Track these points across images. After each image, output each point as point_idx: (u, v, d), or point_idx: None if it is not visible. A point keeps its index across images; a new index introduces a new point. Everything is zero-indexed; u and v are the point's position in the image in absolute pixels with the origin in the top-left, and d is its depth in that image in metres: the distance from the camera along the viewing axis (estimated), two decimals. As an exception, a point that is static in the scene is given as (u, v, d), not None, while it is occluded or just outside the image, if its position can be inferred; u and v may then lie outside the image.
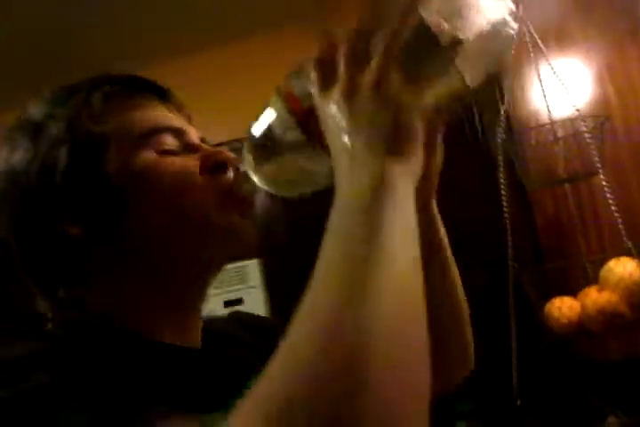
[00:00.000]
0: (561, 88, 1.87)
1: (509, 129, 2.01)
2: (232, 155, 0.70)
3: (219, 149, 0.71)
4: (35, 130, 0.68)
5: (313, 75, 0.56)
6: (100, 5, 2.12)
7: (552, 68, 1.88)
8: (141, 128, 0.68)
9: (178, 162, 0.68)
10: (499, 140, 1.85)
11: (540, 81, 1.94)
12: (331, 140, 0.55)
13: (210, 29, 2.45)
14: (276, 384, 0.41)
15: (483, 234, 2.11)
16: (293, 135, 0.61)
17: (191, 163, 0.69)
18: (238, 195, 0.69)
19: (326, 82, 0.56)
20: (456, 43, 0.56)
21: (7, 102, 1.72)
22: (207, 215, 0.67)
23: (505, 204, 1.82)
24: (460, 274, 0.74)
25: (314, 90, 0.56)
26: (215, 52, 2.59)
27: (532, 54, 1.90)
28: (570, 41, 2.16)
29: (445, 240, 0.74)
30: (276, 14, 2.37)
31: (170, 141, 0.69)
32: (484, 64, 0.59)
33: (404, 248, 0.47)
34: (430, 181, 0.69)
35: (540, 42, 1.86)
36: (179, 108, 0.74)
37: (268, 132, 0.63)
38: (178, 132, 0.70)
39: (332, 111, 0.54)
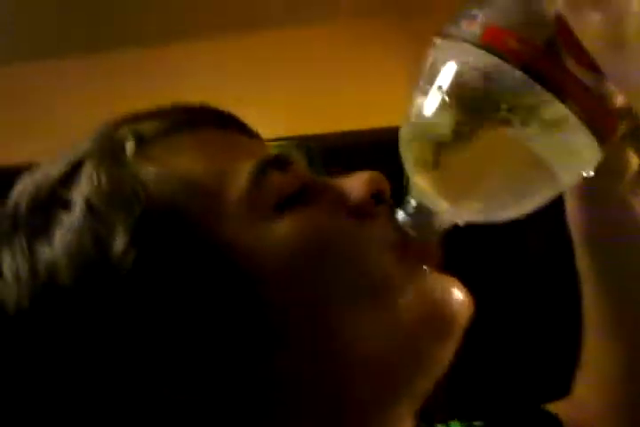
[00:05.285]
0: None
1: None
2: (380, 179, 0.43)
3: (351, 177, 0.44)
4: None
5: None
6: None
7: None
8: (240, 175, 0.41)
9: (330, 225, 0.41)
10: None
11: None
12: None
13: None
14: None
15: None
16: (518, 98, 0.36)
17: (340, 217, 0.42)
18: (414, 241, 0.42)
19: None
20: None
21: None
22: (398, 296, 0.40)
23: None
24: None
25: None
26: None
27: None
28: None
29: None
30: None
31: (283, 182, 0.41)
32: None
33: None
34: None
35: None
36: (245, 130, 0.47)
37: (460, 113, 0.38)
38: (284, 165, 0.42)
39: None
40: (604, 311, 0.54)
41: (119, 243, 0.38)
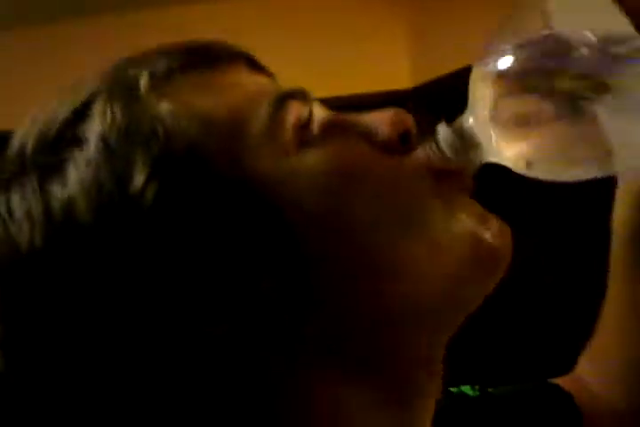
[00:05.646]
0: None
1: None
2: (406, 118, 0.41)
3: (377, 114, 0.42)
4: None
5: None
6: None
7: None
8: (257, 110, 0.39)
9: (359, 157, 0.40)
10: None
11: None
12: None
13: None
14: None
15: None
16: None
17: (369, 151, 0.40)
18: (449, 170, 0.41)
19: None
20: None
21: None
22: (439, 227, 0.39)
23: None
24: None
25: None
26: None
27: None
28: None
29: None
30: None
31: (305, 113, 0.40)
32: None
33: None
34: None
35: None
36: (261, 69, 0.45)
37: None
38: (304, 98, 0.41)
39: None
40: (628, 298, 0.55)
41: (138, 178, 0.36)
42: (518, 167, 0.40)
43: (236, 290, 0.36)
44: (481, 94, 0.39)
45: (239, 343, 0.36)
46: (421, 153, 0.40)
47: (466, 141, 0.40)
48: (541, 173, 0.40)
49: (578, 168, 0.39)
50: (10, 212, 0.38)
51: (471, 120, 0.40)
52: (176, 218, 0.36)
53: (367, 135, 0.40)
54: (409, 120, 0.41)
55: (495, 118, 0.39)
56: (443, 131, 0.40)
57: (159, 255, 0.35)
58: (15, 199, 0.38)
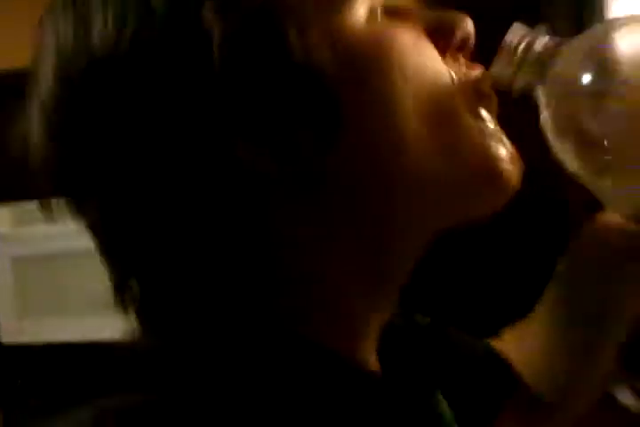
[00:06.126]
0: None
1: None
2: (471, 27, 0.44)
3: (448, 14, 0.44)
4: None
5: None
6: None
7: None
8: None
9: (416, 42, 0.42)
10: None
11: None
12: None
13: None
14: None
15: None
16: None
17: (424, 40, 0.43)
18: (485, 92, 0.44)
19: None
20: None
21: None
22: (462, 125, 0.42)
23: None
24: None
25: None
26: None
27: None
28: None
29: None
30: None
31: None
32: None
33: None
34: None
35: None
36: None
37: None
38: None
39: None
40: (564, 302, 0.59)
41: (209, 7, 0.38)
42: (554, 131, 0.41)
43: (273, 110, 0.39)
44: (595, 52, 0.38)
45: (265, 159, 0.39)
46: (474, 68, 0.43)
47: (543, 68, 0.40)
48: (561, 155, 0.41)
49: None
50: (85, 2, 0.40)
51: (561, 65, 0.39)
52: (234, 55, 0.38)
53: (431, 30, 0.43)
54: (472, 28, 0.44)
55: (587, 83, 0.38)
56: (538, 40, 0.40)
57: (207, 71, 0.38)
58: None
